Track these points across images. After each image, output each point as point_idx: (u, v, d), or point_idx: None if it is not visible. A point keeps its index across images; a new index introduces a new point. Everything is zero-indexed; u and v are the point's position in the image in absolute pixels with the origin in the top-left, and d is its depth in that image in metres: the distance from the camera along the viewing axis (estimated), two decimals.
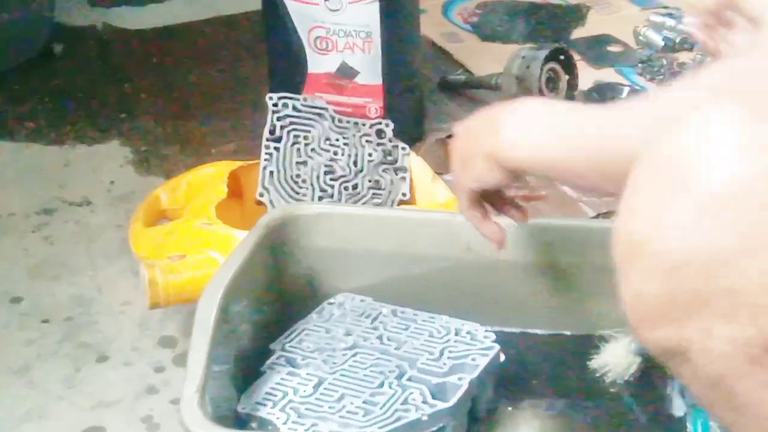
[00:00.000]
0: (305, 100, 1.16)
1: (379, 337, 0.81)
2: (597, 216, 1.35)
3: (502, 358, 0.79)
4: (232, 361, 0.78)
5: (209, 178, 1.16)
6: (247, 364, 0.80)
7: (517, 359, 0.82)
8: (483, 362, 0.77)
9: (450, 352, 0.79)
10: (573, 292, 0.84)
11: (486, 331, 0.81)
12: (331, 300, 0.86)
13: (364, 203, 1.13)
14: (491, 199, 0.76)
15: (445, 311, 0.84)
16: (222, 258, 0.97)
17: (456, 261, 0.86)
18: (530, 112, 0.65)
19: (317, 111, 1.16)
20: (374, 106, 1.37)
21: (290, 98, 1.16)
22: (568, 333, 0.86)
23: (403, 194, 1.16)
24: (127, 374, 1.02)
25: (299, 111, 1.15)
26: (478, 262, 0.85)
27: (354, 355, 0.79)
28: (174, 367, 1.02)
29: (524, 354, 0.84)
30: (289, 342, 0.80)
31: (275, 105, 1.15)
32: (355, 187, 1.14)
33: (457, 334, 0.81)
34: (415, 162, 1.19)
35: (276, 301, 0.86)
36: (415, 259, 0.86)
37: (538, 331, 0.85)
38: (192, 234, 1.06)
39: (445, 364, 0.77)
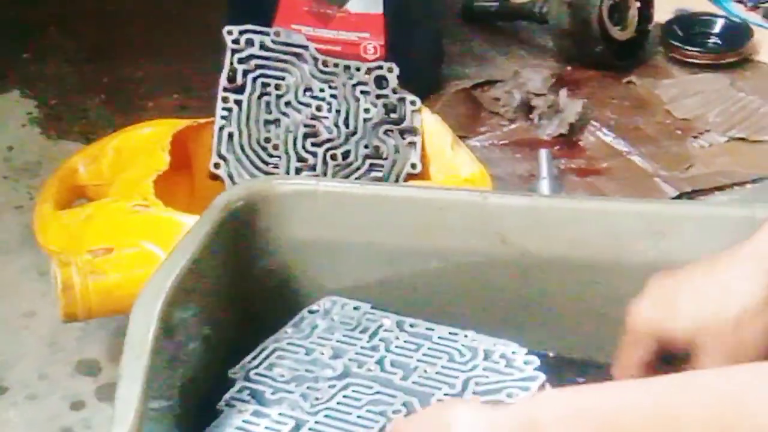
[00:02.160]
0: (277, 35, 1.16)
1: (379, 362, 0.80)
2: (679, 196, 1.35)
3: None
4: (178, 394, 0.78)
5: (145, 142, 1.16)
6: (198, 399, 0.80)
7: None
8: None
9: (477, 384, 0.78)
10: None
11: (527, 354, 0.81)
12: (314, 306, 0.86)
13: (358, 178, 1.13)
14: None
15: (471, 326, 0.83)
16: (163, 253, 0.97)
17: (486, 257, 0.85)
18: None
19: (294, 50, 1.16)
20: (373, 44, 1.37)
21: (256, 32, 1.15)
22: None
23: (413, 165, 1.16)
24: (32, 412, 1.02)
25: (269, 50, 1.15)
26: (517, 259, 0.85)
27: (344, 388, 0.78)
28: (97, 402, 1.03)
29: None
30: (255, 368, 0.80)
31: (236, 41, 1.14)
32: (346, 155, 1.13)
33: (486, 357, 0.81)
34: (429, 121, 1.19)
35: (237, 312, 0.86)
36: (429, 255, 0.86)
37: (602, 360, 0.85)
38: (122, 220, 1.06)
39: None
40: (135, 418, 0.70)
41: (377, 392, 0.78)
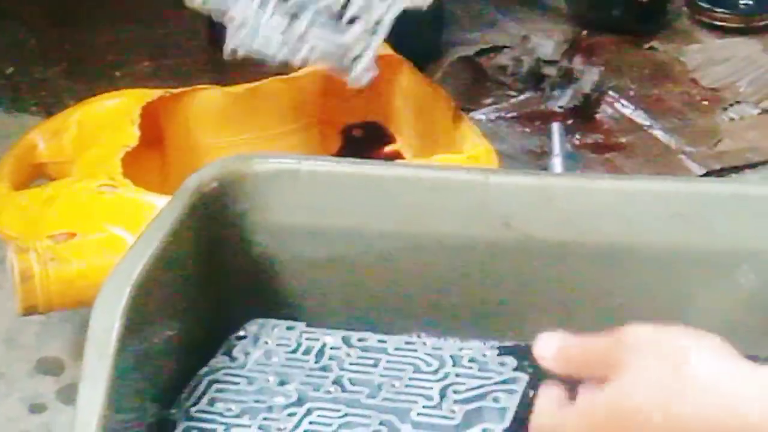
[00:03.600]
0: None
1: (337, 382, 0.79)
2: (706, 175, 1.35)
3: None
4: (148, 397, 0.78)
5: (112, 115, 1.16)
6: (168, 402, 0.79)
7: None
8: (512, 403, 0.76)
9: (456, 392, 0.78)
10: (671, 293, 0.84)
11: (500, 354, 0.81)
12: (241, 332, 0.85)
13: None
14: None
15: (459, 318, 0.84)
16: (132, 238, 0.97)
17: (487, 243, 0.85)
18: None
19: None
20: None
21: None
22: None
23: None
24: None
25: None
26: (521, 245, 0.84)
27: (307, 414, 0.77)
28: (59, 404, 1.03)
29: None
30: (194, 405, 0.78)
31: None
32: None
33: (456, 363, 0.80)
34: (427, 92, 1.19)
35: (210, 306, 0.85)
36: (423, 240, 0.86)
37: None
38: (86, 201, 1.06)
39: (454, 411, 0.76)
40: (98, 427, 0.69)
41: (346, 414, 0.77)
